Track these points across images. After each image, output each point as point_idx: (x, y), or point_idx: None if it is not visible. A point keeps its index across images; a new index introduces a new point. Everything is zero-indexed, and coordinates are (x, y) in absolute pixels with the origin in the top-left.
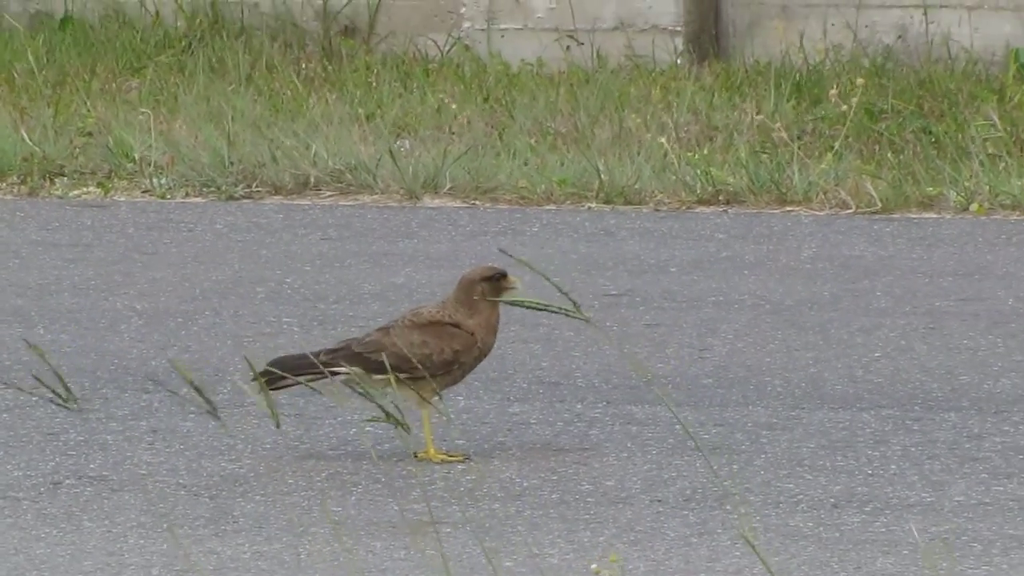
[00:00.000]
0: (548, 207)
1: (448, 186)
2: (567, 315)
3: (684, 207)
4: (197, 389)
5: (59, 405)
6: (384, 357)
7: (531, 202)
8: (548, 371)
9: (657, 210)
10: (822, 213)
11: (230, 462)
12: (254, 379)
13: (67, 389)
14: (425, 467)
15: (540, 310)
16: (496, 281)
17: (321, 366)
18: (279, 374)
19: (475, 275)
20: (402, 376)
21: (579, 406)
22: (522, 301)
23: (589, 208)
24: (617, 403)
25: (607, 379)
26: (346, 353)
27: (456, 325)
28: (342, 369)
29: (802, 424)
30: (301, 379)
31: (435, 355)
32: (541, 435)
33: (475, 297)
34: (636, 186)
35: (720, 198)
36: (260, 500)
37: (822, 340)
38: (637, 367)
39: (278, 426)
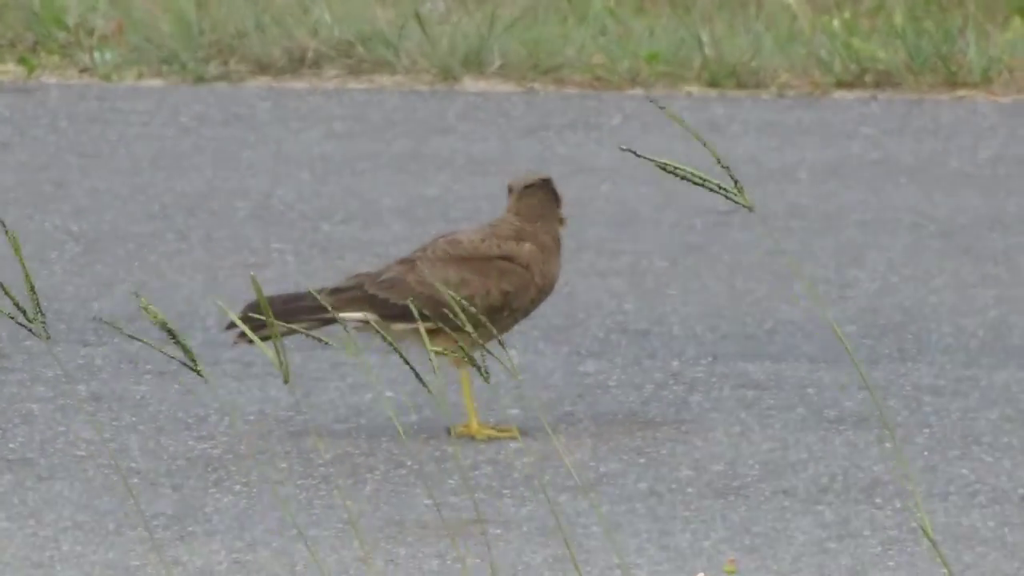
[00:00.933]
0: (632, 92)
1: (497, 64)
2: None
3: (818, 92)
4: (171, 332)
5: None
6: (409, 300)
7: (609, 85)
8: (633, 316)
9: (782, 96)
10: (1006, 100)
11: (200, 440)
12: (230, 327)
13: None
14: (466, 446)
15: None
16: (545, 189)
17: (322, 309)
18: (264, 320)
19: (531, 179)
20: (433, 326)
21: (675, 363)
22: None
23: (689, 93)
24: (727, 359)
25: (713, 326)
26: (357, 294)
27: (507, 257)
28: (352, 315)
29: (979, 387)
30: (296, 327)
31: (478, 298)
32: (623, 403)
33: (530, 213)
34: (753, 64)
35: (867, 79)
36: (242, 492)
37: (1006, 272)
38: (754, 310)
39: (287, 381)
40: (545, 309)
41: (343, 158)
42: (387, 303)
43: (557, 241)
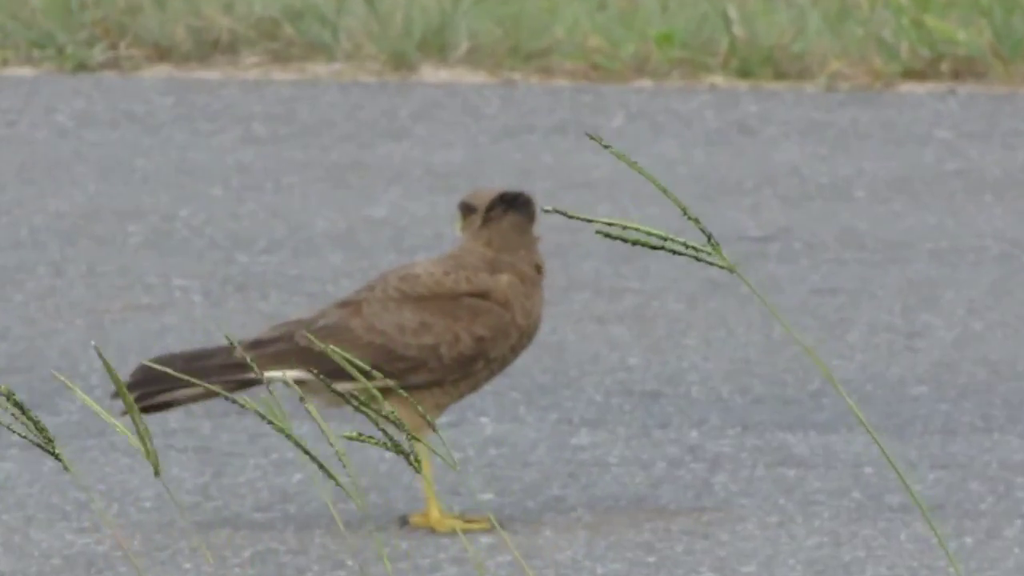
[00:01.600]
0: (639, 83)
1: (464, 48)
2: (697, 257)
3: (879, 84)
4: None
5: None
6: (354, 353)
7: (610, 76)
8: (640, 373)
9: (832, 89)
10: None
11: (81, 533)
12: (117, 394)
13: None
14: (424, 541)
15: (655, 247)
16: (520, 205)
17: (239, 368)
18: (161, 382)
19: (484, 198)
20: (383, 384)
21: (694, 434)
22: (624, 228)
23: (712, 86)
24: (761, 429)
25: (743, 386)
26: (285, 347)
27: (479, 294)
28: (277, 374)
29: None
30: (201, 386)
31: (444, 347)
32: (627, 485)
33: (502, 240)
34: (795, 48)
35: (943, 68)
36: None
37: None
38: (796, 366)
39: (157, 474)
40: (527, 364)
41: (265, 169)
42: (325, 357)
43: (539, 269)
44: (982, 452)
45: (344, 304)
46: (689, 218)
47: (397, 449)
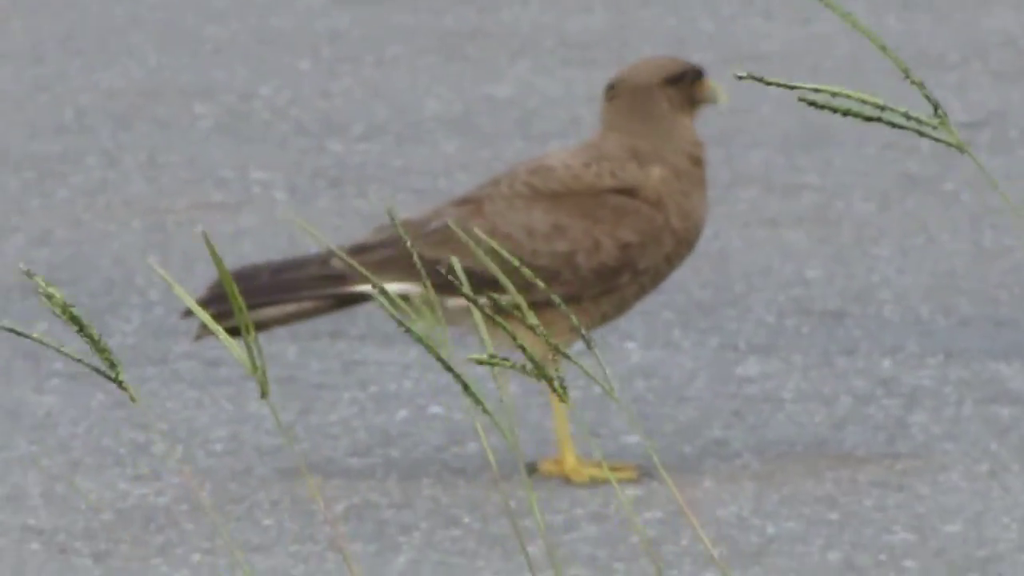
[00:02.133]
0: None
1: None
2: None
3: None
4: (79, 324)
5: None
6: (472, 260)
7: None
8: (819, 288)
9: None
10: None
11: (139, 482)
12: (188, 314)
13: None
14: (558, 494)
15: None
16: (687, 83)
17: (338, 280)
18: (237, 304)
19: (650, 76)
20: (512, 300)
21: (886, 363)
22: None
23: None
24: (968, 357)
25: (947, 305)
26: (391, 253)
27: (626, 191)
28: (385, 285)
29: None
30: (288, 307)
31: (582, 254)
32: (804, 425)
33: (668, 117)
34: None
35: None
36: (202, 565)
37: None
38: (1013, 280)
39: (265, 395)
40: (683, 277)
41: (364, 37)
42: (439, 266)
43: (700, 163)
44: None
45: (463, 202)
46: (913, 82)
47: (541, 372)
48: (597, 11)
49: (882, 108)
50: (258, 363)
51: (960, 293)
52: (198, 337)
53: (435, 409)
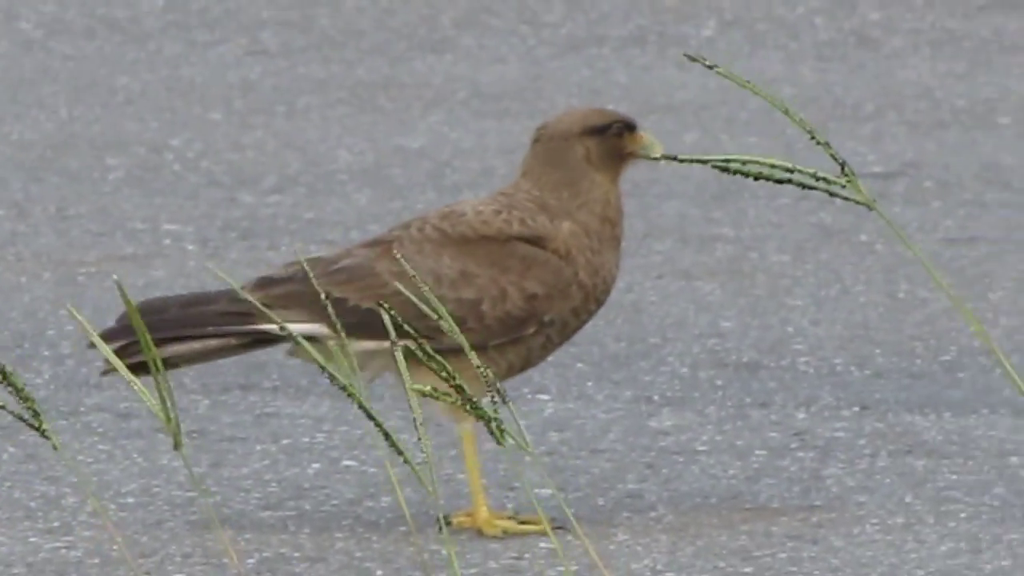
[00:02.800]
0: None
1: None
2: (830, 192)
3: None
4: (6, 375)
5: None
6: (378, 302)
7: None
8: (734, 339)
9: None
10: None
11: (49, 536)
12: (93, 346)
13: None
14: (470, 547)
15: (780, 181)
16: (612, 136)
17: (244, 317)
18: (150, 332)
19: (571, 125)
20: (417, 345)
21: (801, 415)
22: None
23: None
24: (882, 409)
25: (861, 357)
26: (296, 289)
27: (533, 240)
28: (291, 325)
29: None
30: (195, 344)
31: (488, 303)
32: (719, 478)
33: (582, 170)
34: None
35: None
36: None
37: None
38: (926, 332)
39: (178, 446)
40: (596, 329)
41: (276, 88)
42: (344, 305)
43: (610, 222)
44: None
45: (373, 243)
46: (818, 143)
47: (479, 412)
48: (511, 62)
49: (791, 171)
50: (171, 413)
51: (875, 344)
52: (104, 372)
53: (348, 462)
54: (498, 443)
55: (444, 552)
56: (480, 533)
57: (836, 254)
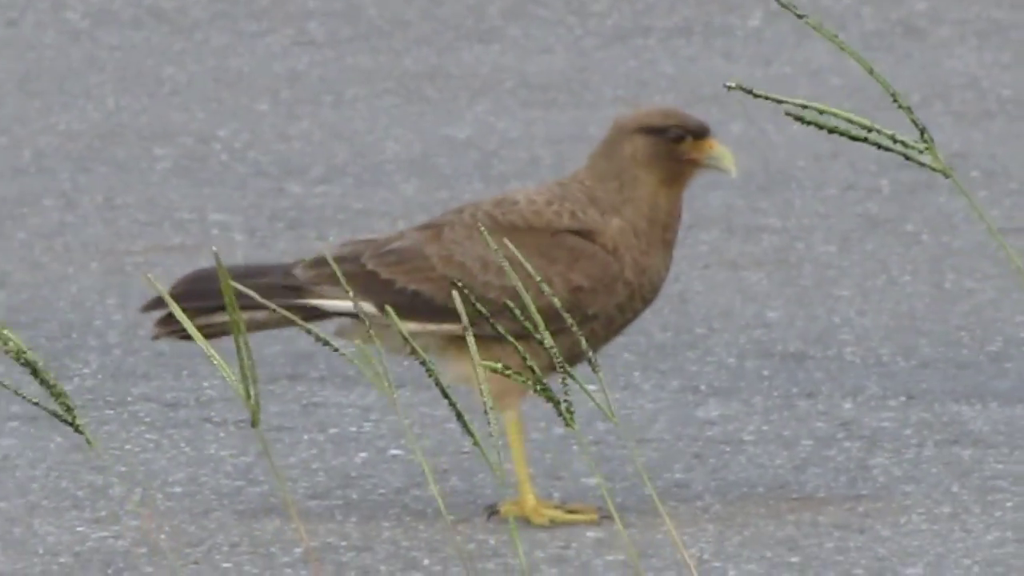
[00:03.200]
0: None
1: None
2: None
3: None
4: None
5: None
6: (426, 286)
7: None
8: (781, 330)
9: None
10: None
11: (96, 525)
12: (152, 307)
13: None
14: (519, 535)
15: (855, 138)
16: (669, 139)
17: (295, 292)
18: (208, 298)
19: (631, 121)
20: (466, 332)
21: (847, 405)
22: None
23: None
24: (929, 399)
25: (908, 348)
26: (349, 268)
27: (583, 233)
28: (335, 303)
29: None
30: (244, 312)
31: (532, 292)
32: (766, 467)
33: (628, 167)
34: None
35: None
36: None
37: None
38: (973, 323)
39: (255, 424)
40: (643, 319)
41: (323, 79)
42: (392, 287)
43: (658, 224)
44: None
45: (425, 227)
46: (900, 107)
47: (548, 394)
48: (558, 53)
49: (869, 129)
50: (251, 390)
51: (921, 335)
52: (155, 337)
53: (395, 451)
54: (567, 425)
55: (491, 542)
56: (528, 522)
57: (882, 244)
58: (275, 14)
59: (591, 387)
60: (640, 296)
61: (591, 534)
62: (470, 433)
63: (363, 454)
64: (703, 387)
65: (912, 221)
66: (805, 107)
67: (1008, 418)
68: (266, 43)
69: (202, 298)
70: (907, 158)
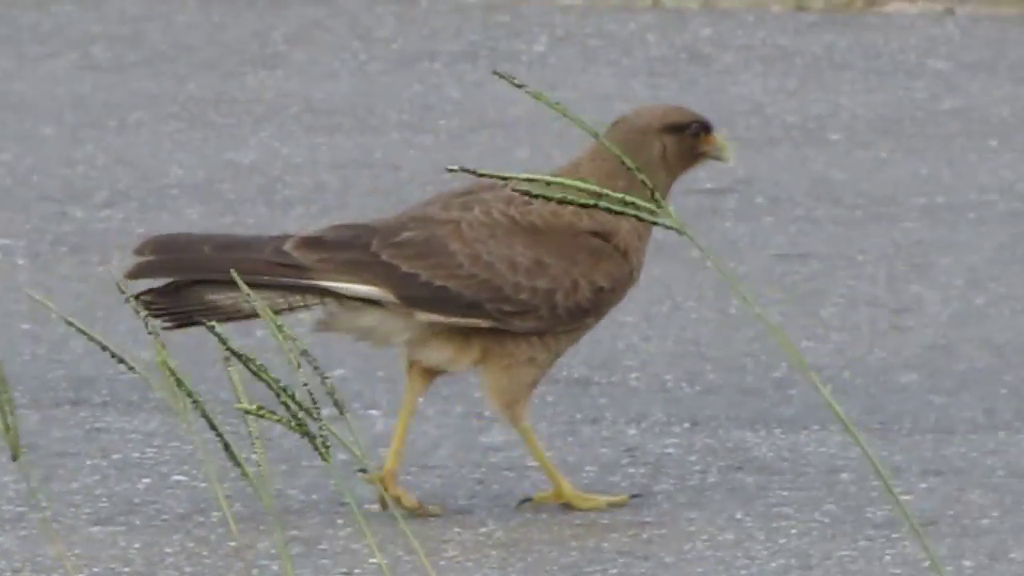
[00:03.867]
0: (567, 0)
1: None
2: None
3: (861, 1)
4: None
5: None
6: (453, 282)
7: None
8: (565, 355)
9: (802, 7)
10: None
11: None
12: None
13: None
14: (300, 562)
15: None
16: (690, 135)
17: (296, 270)
18: (185, 255)
19: (651, 120)
20: (487, 324)
21: (631, 431)
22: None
23: (655, 2)
24: (717, 425)
25: (692, 373)
26: (359, 257)
27: (602, 234)
28: (350, 286)
29: None
30: (229, 297)
31: (560, 294)
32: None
33: (649, 159)
34: None
35: None
36: None
37: None
38: (757, 348)
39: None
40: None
41: (107, 103)
42: (415, 280)
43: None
44: (984, 455)
45: (426, 219)
46: (628, 168)
47: (302, 429)
48: (342, 78)
49: (599, 195)
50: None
51: (705, 360)
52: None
53: (178, 477)
54: (323, 460)
55: (274, 567)
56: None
57: (667, 270)
58: (59, 38)
59: (373, 412)
60: (630, 285)
61: (374, 560)
62: (238, 464)
63: (146, 480)
64: (487, 413)
65: (696, 247)
66: (531, 181)
67: (792, 445)
68: (50, 67)
69: (182, 269)
70: (640, 219)
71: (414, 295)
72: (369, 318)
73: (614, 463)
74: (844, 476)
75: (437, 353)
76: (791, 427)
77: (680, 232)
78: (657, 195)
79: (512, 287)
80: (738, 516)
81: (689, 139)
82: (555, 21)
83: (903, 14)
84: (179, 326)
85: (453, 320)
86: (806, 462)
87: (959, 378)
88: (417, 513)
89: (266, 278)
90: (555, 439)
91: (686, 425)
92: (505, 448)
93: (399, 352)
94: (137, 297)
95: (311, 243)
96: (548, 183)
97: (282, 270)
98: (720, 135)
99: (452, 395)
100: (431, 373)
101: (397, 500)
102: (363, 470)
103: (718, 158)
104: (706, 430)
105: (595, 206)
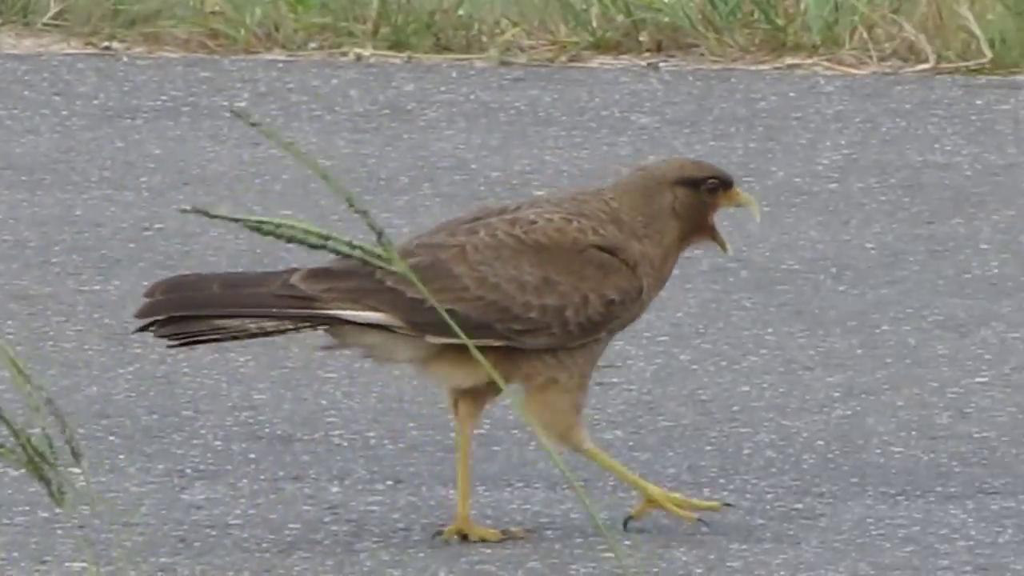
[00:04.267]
0: (269, 55)
1: (53, 9)
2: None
3: (565, 56)
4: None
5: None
6: (460, 305)
7: (233, 46)
8: (268, 411)
9: (507, 63)
10: (863, 72)
11: None
12: (145, 328)
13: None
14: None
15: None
16: (705, 190)
17: (304, 302)
18: (176, 315)
19: (667, 172)
20: (498, 343)
21: (335, 488)
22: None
23: (358, 57)
24: (421, 482)
25: (397, 431)
26: (366, 285)
27: (607, 248)
28: (359, 313)
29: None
30: (250, 321)
31: (571, 310)
32: (253, 551)
33: (664, 216)
34: (461, 13)
35: (643, 39)
36: None
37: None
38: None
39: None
40: (127, 401)
41: None
42: (422, 304)
43: (663, 279)
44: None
45: (433, 245)
46: (356, 211)
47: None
48: (43, 134)
49: (327, 238)
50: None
51: (409, 418)
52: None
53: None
54: (58, 505)
55: None
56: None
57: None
58: None
59: (74, 470)
60: (634, 318)
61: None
62: (51, 495)
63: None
64: (189, 470)
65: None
66: (262, 223)
67: (496, 502)
68: None
69: (192, 307)
70: (365, 263)
71: (422, 320)
72: (377, 339)
73: (317, 521)
74: (549, 533)
75: (451, 372)
76: (495, 484)
77: (407, 277)
78: (386, 237)
79: (521, 306)
80: (441, 574)
81: (703, 194)
82: (257, 76)
83: (607, 69)
84: (184, 344)
85: (463, 341)
86: (510, 519)
87: (663, 434)
88: (506, 538)
89: (275, 310)
90: (257, 496)
91: (389, 483)
92: (207, 506)
93: (446, 398)
94: (145, 328)
95: (318, 274)
96: (277, 225)
97: (290, 302)
98: (742, 191)
99: (154, 452)
100: (475, 404)
101: (483, 540)
102: (439, 533)
103: (743, 205)
104: (409, 487)
105: (323, 247)
